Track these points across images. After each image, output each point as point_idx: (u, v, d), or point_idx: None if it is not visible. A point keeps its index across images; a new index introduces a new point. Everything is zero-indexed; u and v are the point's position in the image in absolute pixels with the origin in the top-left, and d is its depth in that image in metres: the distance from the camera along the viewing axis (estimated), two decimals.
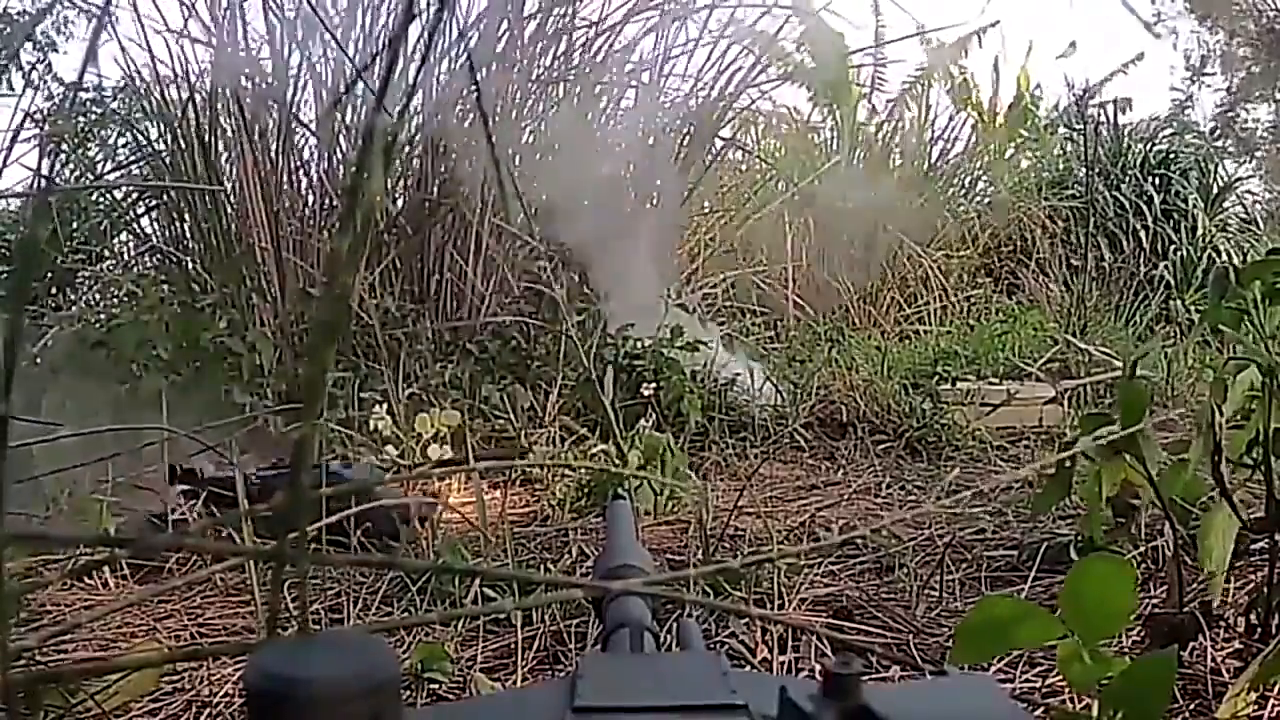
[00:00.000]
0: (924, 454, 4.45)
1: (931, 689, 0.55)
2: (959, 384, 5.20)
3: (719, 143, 7.15)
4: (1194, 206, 9.93)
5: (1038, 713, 1.70)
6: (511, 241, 5.68)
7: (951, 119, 9.61)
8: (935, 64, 9.39)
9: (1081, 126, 10.05)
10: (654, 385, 4.46)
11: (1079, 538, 2.47)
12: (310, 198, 5.74)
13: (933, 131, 9.56)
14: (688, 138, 6.45)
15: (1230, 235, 10.16)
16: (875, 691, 0.43)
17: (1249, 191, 12.55)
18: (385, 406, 3.87)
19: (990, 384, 5.36)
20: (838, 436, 4.72)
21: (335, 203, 5.55)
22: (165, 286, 5.23)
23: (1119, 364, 5.92)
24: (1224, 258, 9.53)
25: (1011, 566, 2.63)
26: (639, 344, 4.79)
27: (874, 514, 3.42)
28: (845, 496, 3.65)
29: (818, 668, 0.70)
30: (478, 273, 5.59)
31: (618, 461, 3.43)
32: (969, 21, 9.31)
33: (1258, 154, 13.53)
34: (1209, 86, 13.90)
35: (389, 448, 3.72)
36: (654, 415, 4.21)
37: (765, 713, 0.46)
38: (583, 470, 3.53)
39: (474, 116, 5.44)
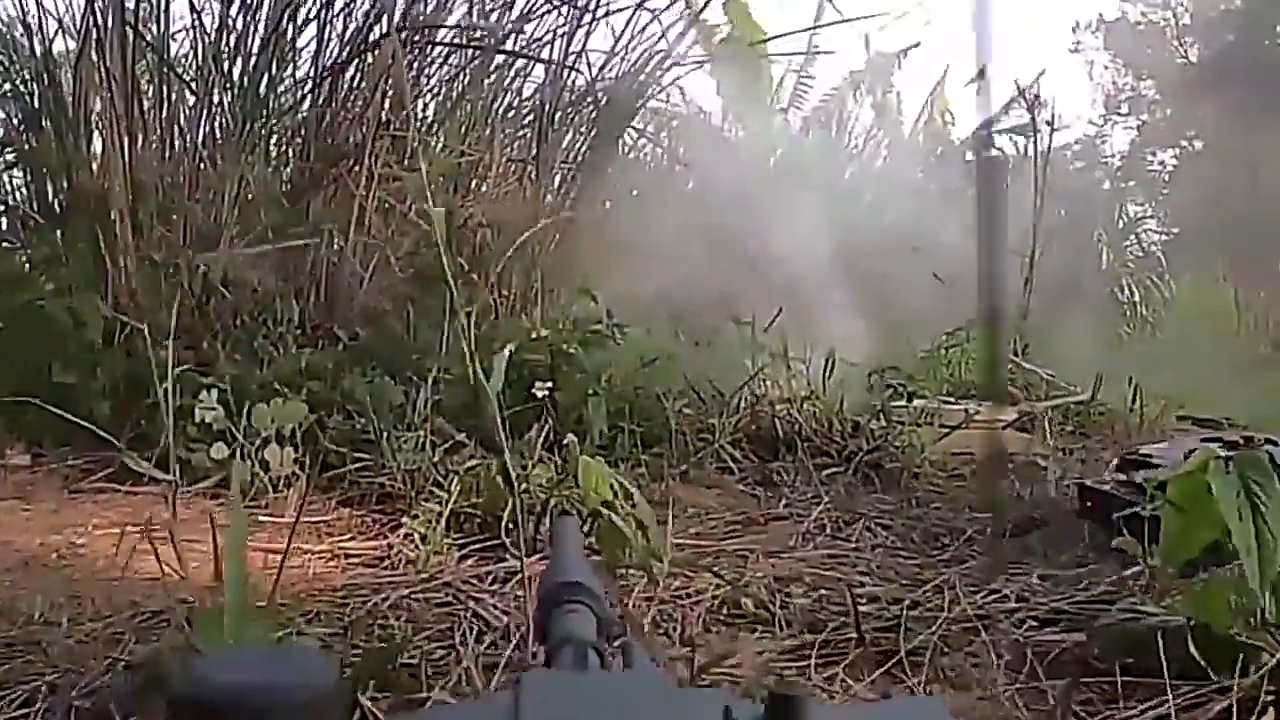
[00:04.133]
0: (879, 482, 3.62)
1: (878, 711, 0.62)
2: (915, 401, 4.40)
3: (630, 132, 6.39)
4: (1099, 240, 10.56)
5: None
6: (401, 219, 4.80)
7: (869, 137, 9.61)
8: (856, 81, 9.33)
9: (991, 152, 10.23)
10: (549, 385, 3.54)
11: (1191, 625, 1.64)
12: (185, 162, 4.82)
13: (850, 148, 9.50)
14: (595, 120, 5.62)
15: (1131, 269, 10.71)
16: (820, 712, 0.42)
17: (1151, 230, 12.93)
18: (216, 394, 3.00)
19: (946, 402, 4.60)
20: (772, 456, 3.87)
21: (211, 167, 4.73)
22: None
23: (1073, 387, 5.33)
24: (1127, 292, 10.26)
25: (1084, 664, 1.77)
26: (534, 335, 3.90)
27: (840, 564, 2.56)
28: (795, 538, 2.79)
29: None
30: (357, 251, 4.70)
31: (501, 482, 2.53)
32: (892, 42, 9.35)
33: (1160, 195, 13.67)
34: (1121, 125, 13.95)
35: (219, 445, 3.14)
36: (550, 422, 3.30)
37: None
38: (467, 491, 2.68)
39: (364, 85, 4.88)
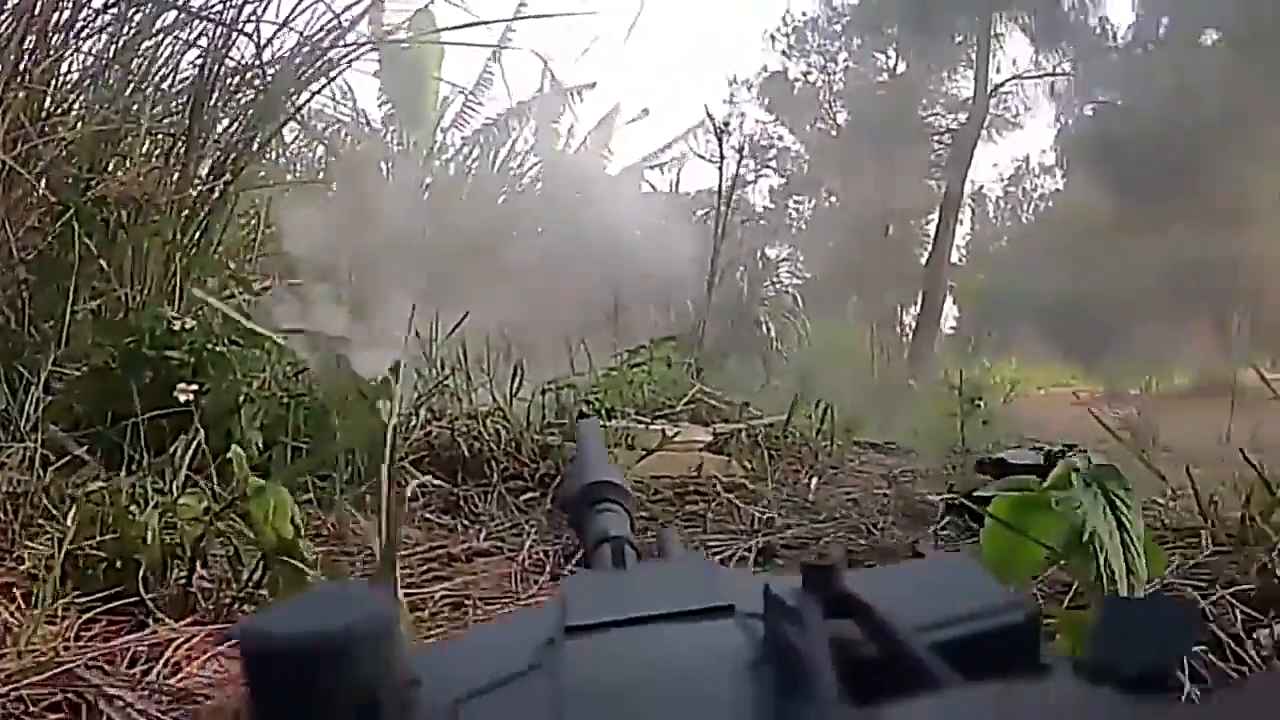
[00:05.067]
0: None
1: (911, 570, 0.62)
2: (611, 420, 4.06)
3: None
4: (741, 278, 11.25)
5: None
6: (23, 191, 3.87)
7: (533, 166, 9.75)
8: (523, 111, 9.54)
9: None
10: (195, 388, 2.86)
11: None
12: None
13: (513, 175, 9.64)
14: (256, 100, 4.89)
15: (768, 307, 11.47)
16: (854, 577, 0.44)
17: (791, 272, 13.85)
18: None
19: (639, 422, 4.31)
20: (458, 480, 3.38)
21: None
22: None
23: (758, 411, 5.23)
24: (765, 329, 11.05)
25: None
26: (175, 327, 3.19)
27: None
28: (512, 579, 2.33)
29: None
30: None
31: (138, 513, 1.86)
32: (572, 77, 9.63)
33: (798, 240, 14.57)
34: (764, 174, 14.72)
35: None
36: (198, 434, 2.63)
37: (751, 611, 0.46)
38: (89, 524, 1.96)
39: None
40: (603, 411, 4.03)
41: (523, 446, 3.66)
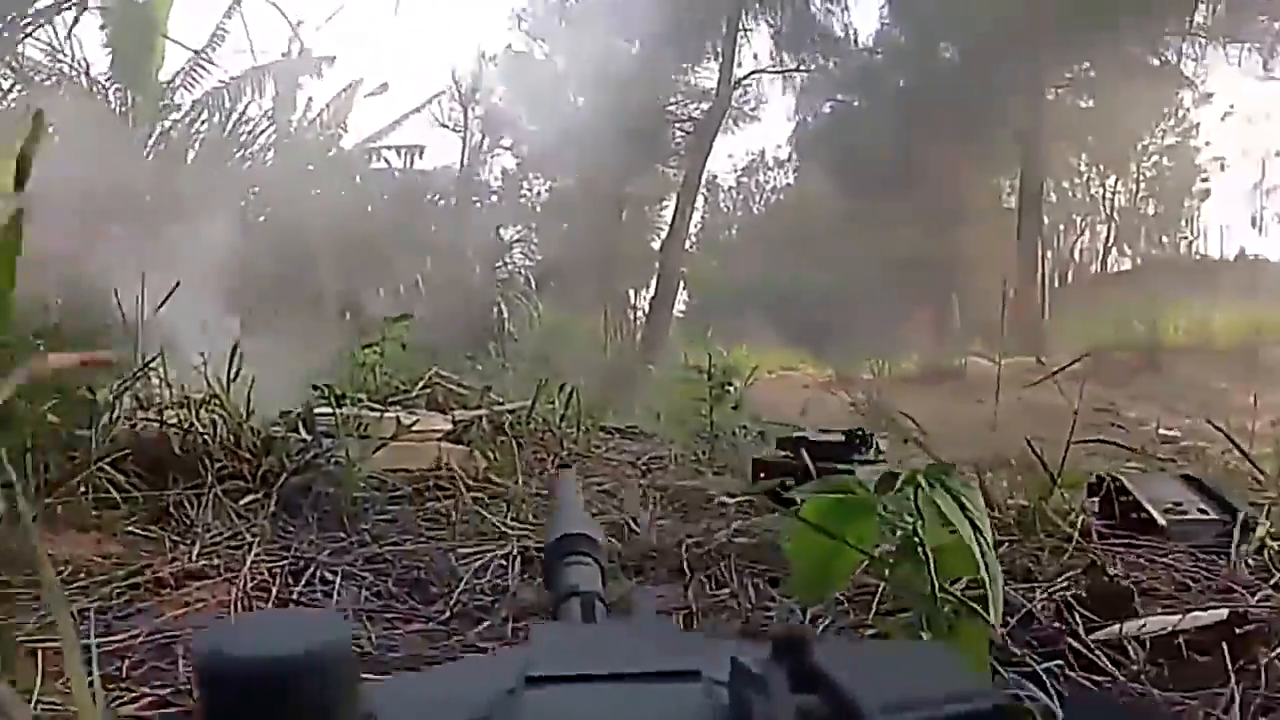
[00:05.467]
0: (315, 512, 2.84)
1: (882, 649, 0.60)
2: (343, 408, 3.64)
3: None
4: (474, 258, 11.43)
5: None
6: None
7: (265, 133, 9.42)
8: (258, 76, 9.13)
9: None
10: None
11: None
12: None
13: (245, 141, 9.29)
14: None
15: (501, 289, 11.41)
16: (823, 651, 0.42)
17: (525, 253, 13.79)
18: None
19: (370, 409, 3.92)
20: (167, 481, 2.90)
21: None
22: None
23: (499, 397, 4.95)
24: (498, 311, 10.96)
25: None
26: None
27: None
28: (231, 605, 1.95)
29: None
30: None
31: None
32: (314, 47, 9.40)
33: (533, 222, 14.50)
34: (498, 154, 14.55)
35: None
36: None
37: (717, 678, 0.45)
38: None
39: None
40: (331, 397, 3.60)
41: (242, 439, 3.22)
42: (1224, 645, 1.52)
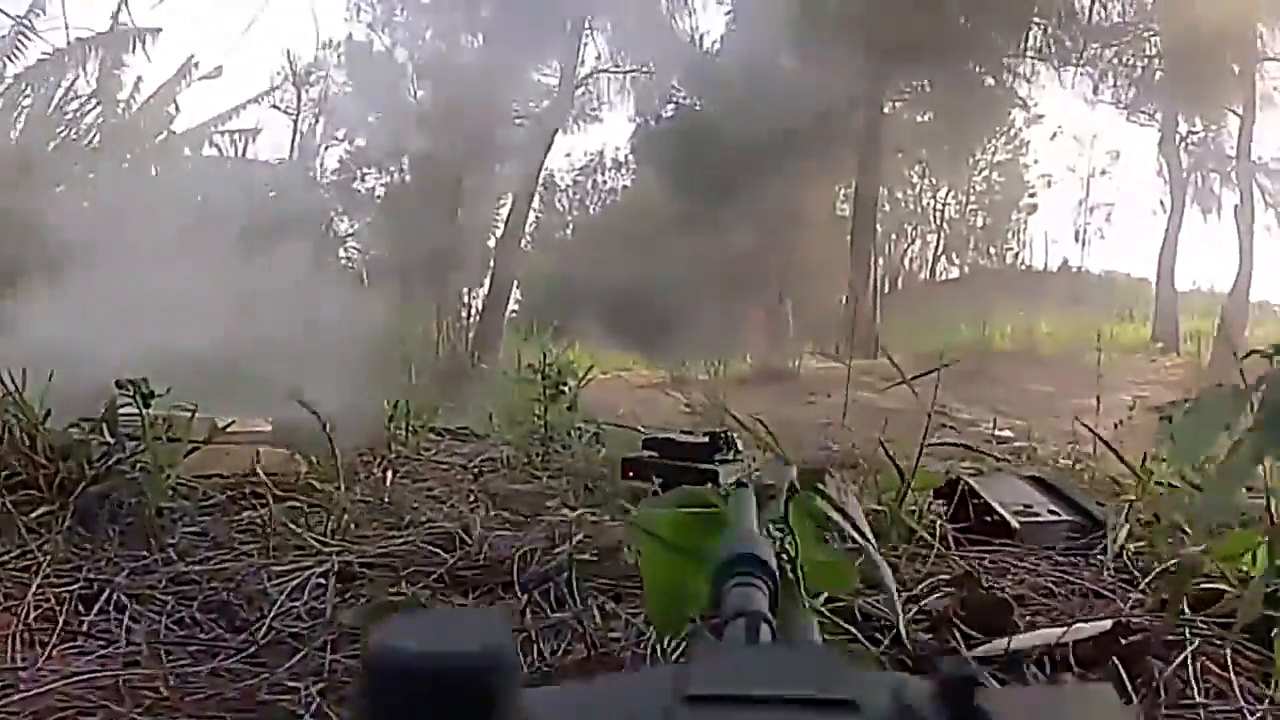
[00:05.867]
0: (115, 525, 2.61)
1: (1047, 694, 0.59)
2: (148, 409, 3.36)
3: None
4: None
5: None
6: None
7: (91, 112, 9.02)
8: (83, 50, 8.77)
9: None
10: None
11: None
12: None
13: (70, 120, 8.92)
14: None
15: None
16: (991, 694, 0.42)
17: (357, 247, 13.49)
18: None
19: (183, 408, 3.64)
20: None
21: None
22: None
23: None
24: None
25: None
26: None
27: (98, 696, 1.58)
28: (9, 642, 1.75)
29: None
30: None
31: None
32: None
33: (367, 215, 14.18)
34: (332, 144, 14.21)
35: None
36: None
37: (875, 711, 0.45)
38: None
39: None
40: (137, 395, 3.33)
41: (38, 443, 2.95)
42: (1113, 659, 1.51)
